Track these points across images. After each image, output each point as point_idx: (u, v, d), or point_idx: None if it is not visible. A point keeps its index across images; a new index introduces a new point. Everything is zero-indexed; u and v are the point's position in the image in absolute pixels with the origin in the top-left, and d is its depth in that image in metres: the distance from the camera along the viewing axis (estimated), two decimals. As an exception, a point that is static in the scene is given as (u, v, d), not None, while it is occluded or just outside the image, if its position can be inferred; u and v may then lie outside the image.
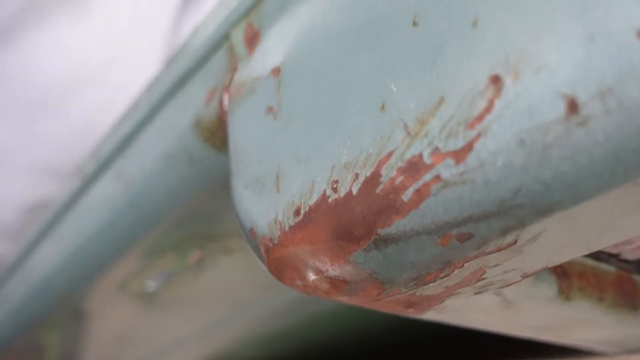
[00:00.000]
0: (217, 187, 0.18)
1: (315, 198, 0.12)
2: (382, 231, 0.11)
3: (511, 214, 0.10)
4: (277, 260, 0.13)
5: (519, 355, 0.27)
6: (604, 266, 0.17)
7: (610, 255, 0.16)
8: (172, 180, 0.19)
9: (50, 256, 0.25)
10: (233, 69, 0.16)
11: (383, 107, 0.12)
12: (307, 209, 0.12)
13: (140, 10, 0.45)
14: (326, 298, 0.13)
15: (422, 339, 0.32)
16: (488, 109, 0.10)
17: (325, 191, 0.12)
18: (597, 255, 0.16)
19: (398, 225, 0.11)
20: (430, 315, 0.14)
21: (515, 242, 0.11)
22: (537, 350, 0.25)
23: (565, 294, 0.15)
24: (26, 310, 0.27)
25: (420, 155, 0.11)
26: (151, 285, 0.24)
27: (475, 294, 0.13)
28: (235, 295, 0.26)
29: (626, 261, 0.17)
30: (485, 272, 0.12)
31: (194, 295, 0.26)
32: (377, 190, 0.11)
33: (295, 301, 0.26)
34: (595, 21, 0.09)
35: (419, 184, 0.11)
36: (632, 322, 0.17)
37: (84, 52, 0.43)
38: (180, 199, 0.19)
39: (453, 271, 0.12)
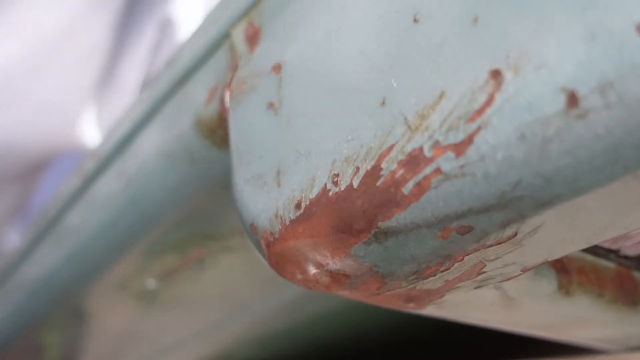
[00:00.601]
0: (218, 187, 0.18)
1: (316, 192, 0.12)
2: (383, 224, 0.11)
3: (511, 206, 0.10)
4: (277, 254, 0.13)
5: (519, 355, 0.27)
6: (603, 262, 0.17)
7: (610, 251, 0.16)
8: (173, 179, 0.19)
9: (50, 255, 0.24)
10: (234, 68, 0.16)
11: (384, 102, 0.12)
12: (307, 203, 0.12)
13: (74, 22, 0.39)
14: (327, 292, 0.13)
15: (422, 339, 0.32)
16: (488, 102, 0.10)
17: (326, 185, 0.12)
18: (597, 251, 0.16)
19: (398, 218, 0.11)
20: (430, 310, 0.14)
21: (515, 235, 0.11)
22: (537, 350, 0.25)
23: (565, 289, 0.15)
24: (26, 310, 0.27)
25: (421, 149, 0.11)
26: (152, 284, 0.24)
27: (476, 288, 0.13)
28: (235, 295, 0.26)
29: (626, 257, 0.17)
30: (485, 265, 0.12)
31: (194, 295, 0.26)
32: (378, 184, 0.11)
33: (296, 301, 0.26)
34: (595, 17, 0.09)
35: (419, 177, 0.11)
36: (631, 319, 0.17)
37: (6, 63, 0.37)
38: (181, 198, 0.19)
39: (453, 264, 0.12)
